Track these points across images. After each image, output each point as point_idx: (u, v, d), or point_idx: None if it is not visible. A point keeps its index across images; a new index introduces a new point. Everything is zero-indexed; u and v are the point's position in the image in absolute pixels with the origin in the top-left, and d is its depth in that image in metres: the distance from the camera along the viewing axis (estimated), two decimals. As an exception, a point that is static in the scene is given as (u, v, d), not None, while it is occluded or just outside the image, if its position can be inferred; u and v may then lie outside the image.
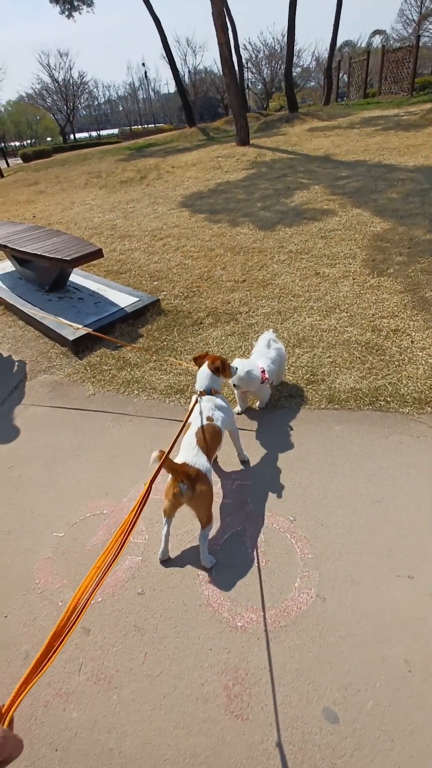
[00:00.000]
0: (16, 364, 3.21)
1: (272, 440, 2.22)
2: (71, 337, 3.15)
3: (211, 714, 1.28)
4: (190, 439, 1.69)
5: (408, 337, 2.82)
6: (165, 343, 3.18)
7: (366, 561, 1.61)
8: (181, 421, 2.44)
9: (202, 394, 1.87)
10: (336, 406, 2.38)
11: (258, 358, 2.30)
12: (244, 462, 2.11)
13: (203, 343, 3.10)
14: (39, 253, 3.42)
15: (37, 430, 2.54)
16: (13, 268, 4.50)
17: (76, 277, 4.18)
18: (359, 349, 2.78)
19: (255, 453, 2.17)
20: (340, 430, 2.22)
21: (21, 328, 3.71)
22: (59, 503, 2.04)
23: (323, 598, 1.51)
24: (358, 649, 1.38)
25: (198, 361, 2.00)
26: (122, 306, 3.57)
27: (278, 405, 2.45)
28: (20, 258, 3.99)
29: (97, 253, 3.38)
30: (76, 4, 18.25)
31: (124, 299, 3.68)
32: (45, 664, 0.76)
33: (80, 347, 3.19)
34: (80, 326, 3.18)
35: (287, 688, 1.31)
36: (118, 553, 1.06)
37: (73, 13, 18.51)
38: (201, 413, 1.78)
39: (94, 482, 2.13)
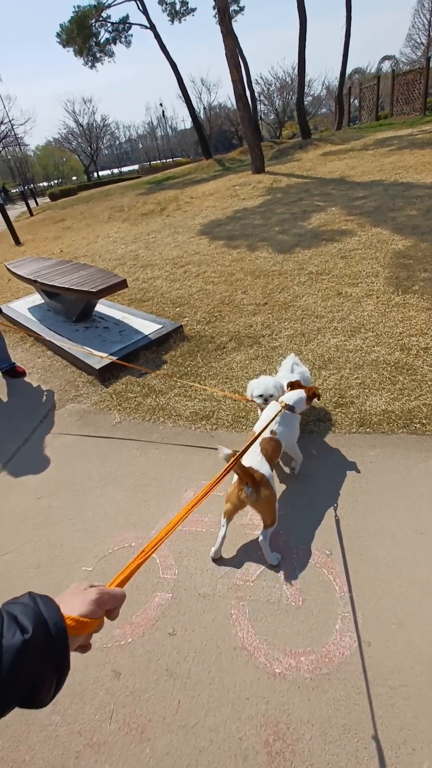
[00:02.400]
0: (45, 393, 3.29)
1: (302, 466, 2.14)
2: (97, 366, 3.21)
3: (251, 773, 1.18)
4: (255, 446, 1.75)
5: (440, 355, 2.72)
6: (189, 368, 3.19)
7: (413, 599, 1.49)
8: (206, 447, 2.42)
9: (285, 406, 1.93)
10: (368, 430, 2.29)
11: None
12: (293, 470, 2.13)
13: (227, 368, 3.09)
14: (67, 287, 3.55)
15: (66, 459, 2.55)
16: (42, 301, 4.69)
17: (102, 306, 4.30)
18: (388, 369, 2.69)
19: (284, 481, 2.10)
20: (374, 455, 2.13)
21: (49, 358, 3.82)
22: (87, 535, 2.01)
23: (368, 642, 1.40)
24: (412, 700, 1.25)
25: (293, 386, 2.10)
26: (146, 333, 3.62)
27: (306, 429, 2.38)
28: (49, 291, 4.15)
29: (122, 284, 3.48)
30: (98, 56, 19.67)
31: (147, 326, 3.74)
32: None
33: (106, 375, 3.24)
34: (104, 355, 3.24)
35: (334, 745, 1.20)
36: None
37: (96, 64, 19.95)
38: (270, 422, 1.84)
39: (122, 513, 2.10)
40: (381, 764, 1.15)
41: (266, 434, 1.82)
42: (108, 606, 0.60)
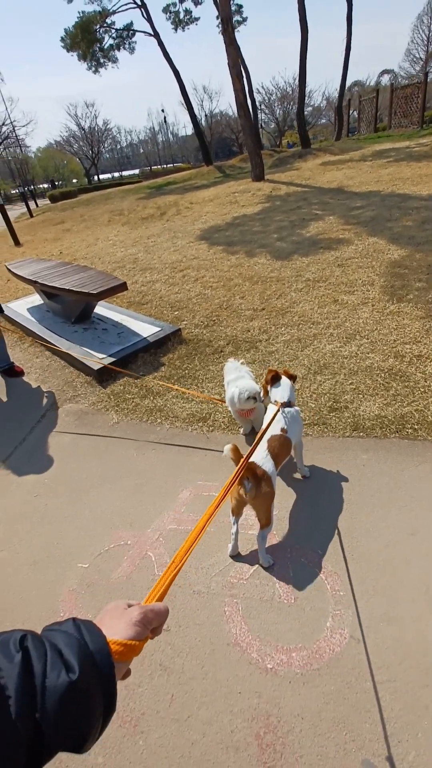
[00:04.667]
0: (45, 393, 3.32)
1: (296, 469, 2.18)
2: (95, 367, 3.24)
3: (242, 765, 1.21)
4: (262, 443, 1.75)
5: (432, 362, 2.78)
6: (186, 371, 3.23)
7: (402, 598, 1.53)
8: (203, 448, 2.45)
9: (283, 405, 1.92)
10: (361, 434, 2.34)
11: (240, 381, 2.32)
12: (305, 477, 2.12)
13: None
14: (67, 288, 3.59)
15: (63, 458, 2.58)
16: (41, 302, 4.72)
17: (101, 308, 4.34)
18: (382, 375, 2.75)
19: (278, 483, 2.13)
20: (367, 458, 2.18)
21: (48, 358, 3.85)
22: (84, 533, 2.04)
23: (358, 639, 1.44)
24: (399, 695, 1.29)
25: (273, 376, 2.04)
26: (144, 336, 3.67)
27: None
28: (48, 292, 4.19)
29: (122, 287, 3.52)
30: (102, 61, 19.87)
31: (146, 329, 3.79)
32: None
33: (104, 376, 3.27)
34: (98, 359, 3.28)
35: (323, 738, 1.23)
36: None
37: (99, 69, 20.15)
38: (278, 422, 1.83)
39: (119, 512, 2.13)
40: (369, 754, 1.19)
41: (276, 432, 1.81)
42: (154, 624, 0.55)
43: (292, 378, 2.07)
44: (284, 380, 2.03)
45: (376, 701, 1.28)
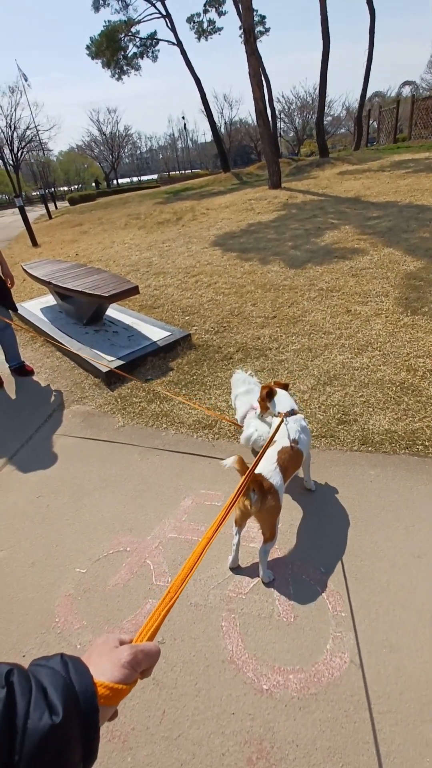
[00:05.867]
0: (53, 394, 3.33)
1: (300, 482, 2.13)
2: (104, 370, 3.24)
3: (232, 791, 1.16)
4: (272, 455, 1.70)
5: (446, 378, 2.71)
6: (194, 377, 3.21)
7: (405, 624, 1.47)
8: (207, 456, 2.42)
9: (287, 414, 1.86)
10: (370, 449, 2.28)
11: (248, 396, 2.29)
12: (310, 491, 2.06)
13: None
14: (80, 290, 3.61)
15: (67, 459, 2.57)
16: (55, 302, 4.77)
17: (112, 311, 4.37)
18: (393, 389, 2.69)
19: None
20: (375, 474, 2.12)
21: (58, 359, 3.87)
22: (84, 537, 2.02)
23: (359, 665, 1.38)
24: (400, 728, 1.23)
25: (267, 392, 1.99)
26: (154, 340, 3.67)
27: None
28: (62, 293, 4.23)
29: (134, 290, 3.53)
30: (125, 68, 20.26)
31: (156, 333, 3.79)
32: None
33: (112, 379, 3.27)
34: (107, 362, 3.29)
35: (318, 768, 1.18)
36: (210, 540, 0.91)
37: (122, 77, 20.53)
38: (288, 434, 1.78)
39: (119, 517, 2.11)
40: (365, 791, 1.13)
41: (285, 444, 1.75)
42: (143, 667, 0.51)
43: (285, 387, 2.01)
44: (280, 392, 1.97)
45: (373, 734, 1.22)
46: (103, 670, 0.47)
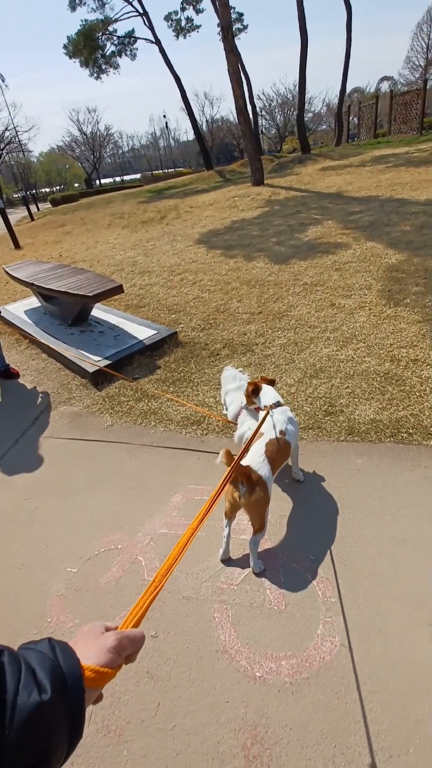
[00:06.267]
0: (40, 396, 3.30)
1: (288, 473, 2.16)
2: (91, 370, 3.22)
3: (227, 777, 1.18)
4: (259, 447, 1.72)
5: (428, 367, 2.77)
6: (182, 374, 3.22)
7: (392, 608, 1.51)
8: (197, 450, 2.43)
9: (273, 407, 1.89)
10: (356, 438, 2.32)
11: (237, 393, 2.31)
12: (298, 482, 2.09)
13: (220, 375, 3.11)
14: (64, 290, 3.58)
15: (55, 461, 2.56)
16: (39, 304, 4.72)
17: (98, 311, 4.33)
18: (378, 379, 2.74)
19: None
20: (361, 463, 2.15)
21: (44, 360, 3.84)
22: (74, 537, 2.01)
23: (348, 648, 1.41)
24: (390, 707, 1.26)
25: (253, 389, 2.04)
26: (141, 339, 3.65)
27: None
28: (45, 294, 4.18)
29: (118, 289, 3.51)
30: (104, 67, 20.04)
31: (142, 332, 3.77)
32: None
33: (99, 379, 3.25)
34: (94, 362, 3.27)
35: (311, 750, 1.20)
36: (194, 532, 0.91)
37: (101, 75, 20.31)
38: (274, 426, 1.80)
39: (109, 515, 2.10)
40: (357, 769, 1.15)
41: (273, 436, 1.76)
42: (128, 652, 0.53)
43: (271, 382, 2.07)
44: (265, 387, 2.03)
45: (363, 714, 1.25)
46: (89, 655, 0.49)
